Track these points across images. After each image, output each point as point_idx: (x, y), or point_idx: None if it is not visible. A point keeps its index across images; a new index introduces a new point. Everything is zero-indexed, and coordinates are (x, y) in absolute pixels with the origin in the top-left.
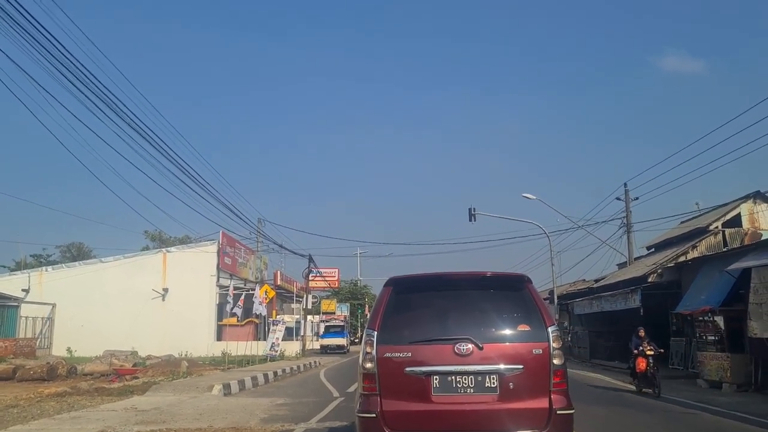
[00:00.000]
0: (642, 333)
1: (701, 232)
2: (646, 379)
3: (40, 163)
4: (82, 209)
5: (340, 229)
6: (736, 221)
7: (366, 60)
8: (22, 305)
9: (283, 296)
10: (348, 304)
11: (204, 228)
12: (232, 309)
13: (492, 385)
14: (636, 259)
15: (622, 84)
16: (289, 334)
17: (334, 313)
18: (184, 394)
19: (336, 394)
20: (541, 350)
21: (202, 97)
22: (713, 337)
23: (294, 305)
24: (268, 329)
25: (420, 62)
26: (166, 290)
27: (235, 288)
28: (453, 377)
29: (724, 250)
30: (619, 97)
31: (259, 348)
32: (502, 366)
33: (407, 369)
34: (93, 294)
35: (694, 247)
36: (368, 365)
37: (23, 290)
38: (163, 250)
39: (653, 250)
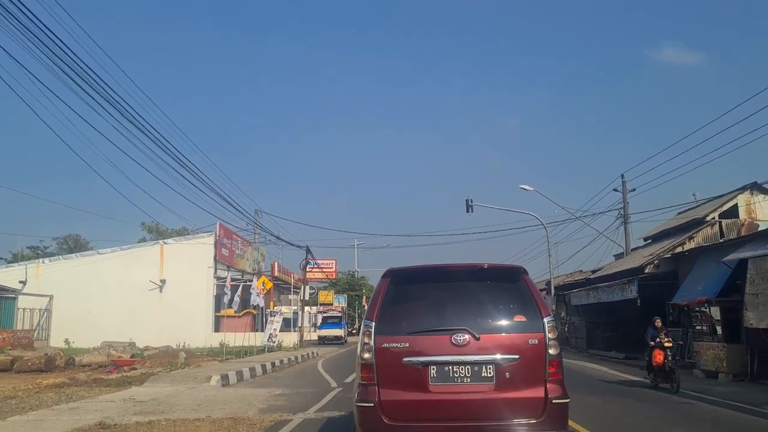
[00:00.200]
0: (659, 323)
1: (698, 223)
2: (664, 373)
3: (38, 156)
4: (80, 201)
5: (338, 221)
6: (733, 212)
7: (366, 57)
8: (20, 297)
9: (281, 287)
10: (345, 296)
11: (201, 220)
12: (230, 300)
13: (488, 375)
14: (633, 250)
15: (619, 77)
16: (287, 325)
17: (331, 304)
18: (182, 385)
19: (334, 384)
20: (536, 340)
21: (202, 94)
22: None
23: (291, 296)
24: (266, 320)
25: (419, 59)
26: (163, 282)
27: (233, 279)
28: (450, 367)
29: (721, 241)
30: (616, 91)
31: (256, 339)
32: (498, 356)
33: (405, 359)
34: (90, 286)
35: (690, 238)
36: (366, 355)
37: (20, 282)
38: (161, 241)
39: (650, 241)
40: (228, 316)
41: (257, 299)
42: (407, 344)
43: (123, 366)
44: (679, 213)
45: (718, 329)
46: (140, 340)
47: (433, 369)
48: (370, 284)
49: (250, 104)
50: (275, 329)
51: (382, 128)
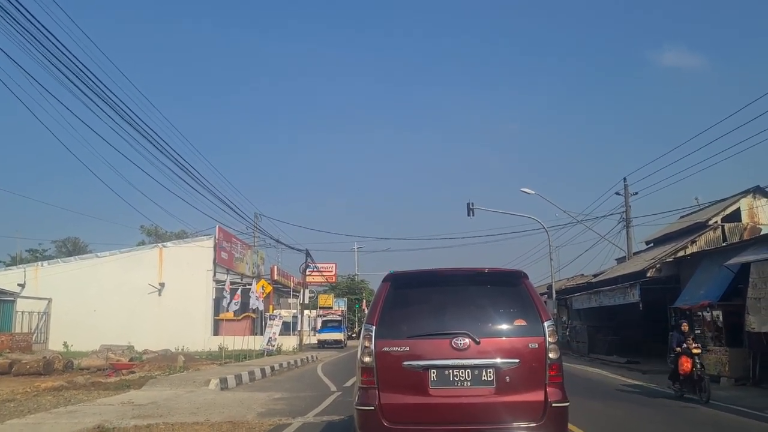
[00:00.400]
0: (685, 327)
1: (700, 227)
2: (692, 382)
3: (37, 159)
4: (79, 204)
5: (338, 225)
6: (735, 216)
7: (366, 57)
8: (18, 300)
9: (280, 291)
10: (345, 299)
11: (200, 223)
12: (228, 305)
13: (488, 379)
14: (635, 253)
15: (621, 80)
16: (286, 328)
17: (331, 308)
18: (181, 389)
19: (333, 388)
20: (536, 344)
21: (201, 95)
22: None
23: (291, 300)
24: (265, 324)
25: (419, 60)
26: (162, 285)
27: (232, 283)
28: (450, 371)
29: (724, 245)
30: (618, 93)
31: (256, 343)
32: (498, 360)
33: (405, 363)
34: (89, 289)
35: (693, 241)
36: (367, 359)
37: (19, 285)
38: (160, 245)
39: (652, 244)
40: (227, 320)
41: (257, 303)
42: (407, 348)
43: (122, 369)
44: (681, 217)
45: (717, 333)
46: (139, 343)
47: (434, 373)
48: (370, 288)
49: (249, 105)
50: (274, 333)
51: (382, 129)
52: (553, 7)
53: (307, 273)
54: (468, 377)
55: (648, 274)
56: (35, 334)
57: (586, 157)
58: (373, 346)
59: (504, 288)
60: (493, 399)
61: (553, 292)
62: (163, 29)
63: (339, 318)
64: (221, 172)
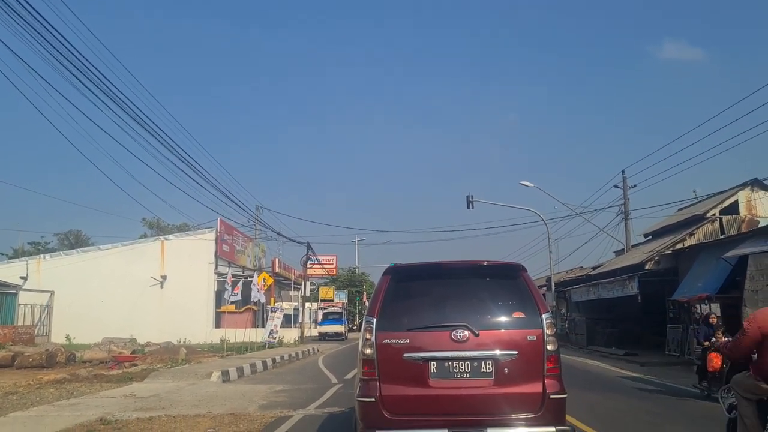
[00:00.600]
0: (714, 319)
1: (698, 220)
2: (722, 380)
3: (39, 152)
4: (81, 197)
5: (339, 218)
6: (733, 208)
7: (367, 52)
8: (21, 293)
9: (282, 283)
10: (346, 292)
11: (202, 216)
12: (229, 296)
13: (487, 371)
14: (633, 246)
15: (620, 72)
16: (288, 321)
17: (332, 300)
18: (183, 381)
19: (334, 380)
20: (535, 337)
21: (203, 88)
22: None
23: (292, 292)
24: (267, 316)
25: (418, 53)
26: (164, 278)
27: (233, 275)
28: (450, 363)
29: (722, 237)
30: (617, 86)
31: (257, 335)
32: (497, 352)
33: (405, 355)
34: (91, 281)
35: (691, 234)
36: (368, 351)
37: (21, 278)
38: (161, 237)
39: (651, 237)
40: (229, 312)
41: (258, 295)
42: (408, 340)
43: (124, 362)
44: (679, 209)
45: None
46: (141, 336)
47: (433, 364)
48: (371, 280)
49: (250, 98)
50: (276, 325)
51: (382, 122)
52: (552, 0)
53: (309, 265)
54: (467, 369)
55: (646, 267)
56: (38, 327)
57: (585, 149)
58: (374, 338)
59: (503, 281)
60: (492, 390)
61: (552, 284)
62: (165, 24)
63: (340, 310)
64: (223, 165)
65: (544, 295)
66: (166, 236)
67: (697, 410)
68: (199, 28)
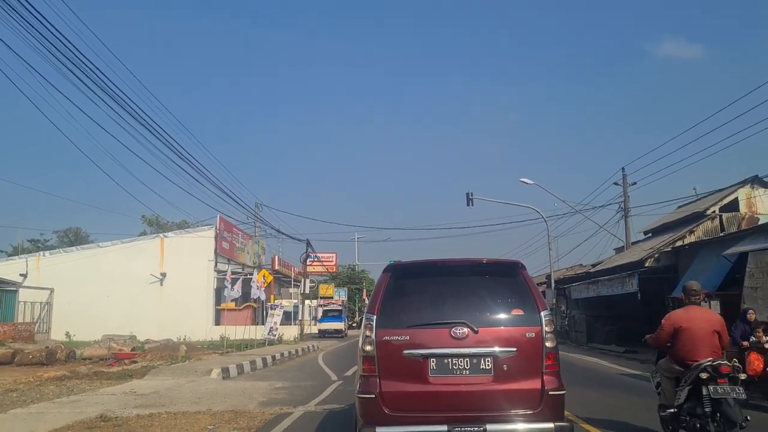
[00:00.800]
0: (752, 316)
1: (698, 217)
2: (763, 384)
3: (38, 149)
4: (80, 194)
5: (338, 215)
6: (733, 206)
7: (366, 49)
8: (21, 290)
9: (281, 281)
10: (346, 289)
11: (202, 213)
12: (229, 294)
13: (486, 367)
14: (633, 243)
15: (620, 70)
16: (288, 318)
17: (332, 297)
18: (183, 378)
19: (334, 377)
20: (533, 333)
21: (201, 86)
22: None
23: (292, 290)
24: (266, 314)
25: (418, 51)
26: (164, 275)
27: (233, 273)
28: (449, 359)
29: (721, 234)
30: (617, 83)
31: (257, 332)
32: (496, 349)
33: (405, 351)
34: (91, 279)
35: (691, 231)
36: (368, 348)
37: (21, 275)
38: (161, 235)
39: (650, 234)
40: (229, 310)
41: (258, 292)
42: (408, 337)
43: (124, 359)
44: (679, 207)
45: None
46: (141, 333)
47: (433, 361)
48: (371, 278)
49: (250, 96)
50: (276, 323)
51: (383, 120)
52: None
53: (308, 263)
54: (467, 365)
55: (646, 264)
56: (37, 324)
57: (585, 147)
58: (374, 335)
59: (502, 278)
60: (491, 387)
61: (552, 281)
62: (164, 20)
63: (340, 308)
64: (222, 162)
65: (544, 292)
66: (166, 233)
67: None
68: (197, 26)
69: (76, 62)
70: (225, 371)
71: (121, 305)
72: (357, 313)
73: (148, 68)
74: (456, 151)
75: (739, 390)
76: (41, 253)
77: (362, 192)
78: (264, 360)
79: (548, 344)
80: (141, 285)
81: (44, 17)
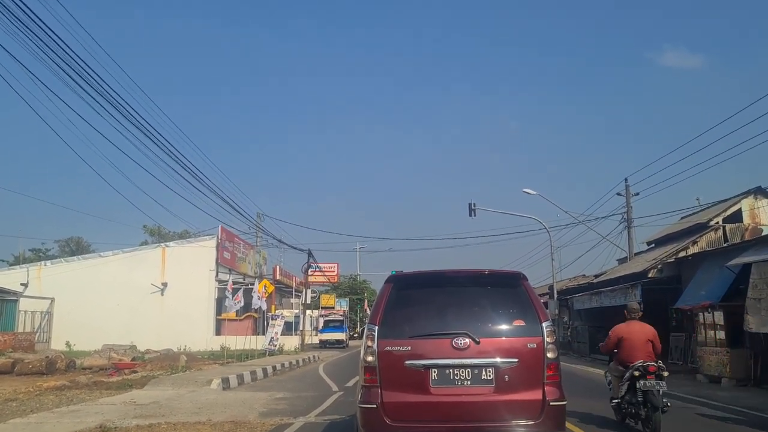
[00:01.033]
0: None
1: (702, 228)
2: None
3: (40, 158)
4: (82, 204)
5: (340, 225)
6: (736, 217)
7: (368, 58)
8: (21, 299)
9: (282, 291)
10: (347, 299)
11: (203, 223)
12: (230, 304)
13: (488, 378)
14: (636, 254)
15: (623, 80)
16: (288, 328)
17: (333, 307)
18: (183, 388)
19: (335, 388)
20: (535, 344)
21: (203, 95)
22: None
23: (293, 300)
24: (267, 324)
25: (420, 60)
26: (165, 285)
27: (234, 283)
28: (451, 370)
29: (725, 245)
30: (620, 93)
31: (258, 342)
32: (497, 359)
33: (407, 362)
34: (92, 288)
35: (694, 242)
36: (369, 358)
37: (22, 284)
38: (162, 244)
39: (653, 245)
40: (229, 320)
41: (259, 303)
42: (409, 347)
43: (124, 369)
44: (682, 217)
45: (718, 333)
46: (141, 343)
47: (435, 372)
48: (372, 288)
49: (252, 105)
50: (277, 333)
51: (384, 129)
52: (555, 5)
53: (310, 273)
54: (468, 376)
55: (649, 275)
56: (38, 334)
57: (588, 157)
58: (375, 346)
59: (504, 289)
60: (493, 397)
61: (555, 292)
62: (165, 27)
63: (341, 318)
64: (224, 172)
65: (546, 303)
66: (167, 243)
67: (700, 418)
68: (199, 33)
69: (77, 69)
70: (225, 381)
71: (122, 315)
72: (358, 323)
73: (149, 77)
74: (458, 161)
75: (661, 384)
76: (42, 262)
77: (364, 202)
78: (264, 370)
79: (549, 355)
80: (142, 295)
81: (44, 22)
